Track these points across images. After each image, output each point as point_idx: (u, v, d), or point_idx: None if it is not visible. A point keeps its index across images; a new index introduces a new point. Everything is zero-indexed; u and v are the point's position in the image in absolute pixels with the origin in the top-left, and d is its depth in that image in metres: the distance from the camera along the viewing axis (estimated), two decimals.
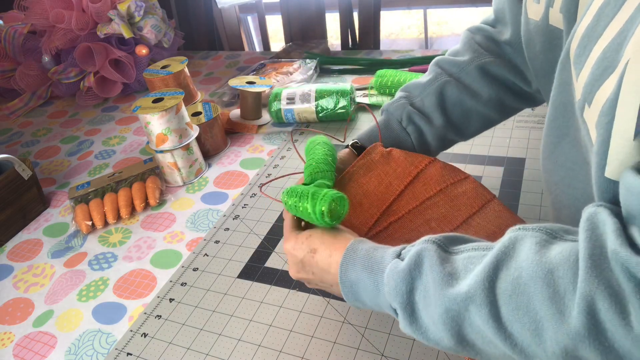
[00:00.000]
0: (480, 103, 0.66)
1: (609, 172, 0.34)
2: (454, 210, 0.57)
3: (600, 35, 0.36)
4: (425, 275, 0.42)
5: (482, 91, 0.65)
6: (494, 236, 0.53)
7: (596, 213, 0.34)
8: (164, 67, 1.13)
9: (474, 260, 0.40)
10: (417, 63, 1.22)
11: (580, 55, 0.38)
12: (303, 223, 0.58)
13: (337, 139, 0.75)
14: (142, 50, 1.36)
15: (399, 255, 0.45)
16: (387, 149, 0.64)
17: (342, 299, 0.65)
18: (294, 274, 0.56)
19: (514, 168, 0.83)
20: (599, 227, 0.33)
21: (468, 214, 0.57)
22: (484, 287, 0.37)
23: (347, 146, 0.70)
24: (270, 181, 0.87)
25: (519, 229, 0.39)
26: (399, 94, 0.70)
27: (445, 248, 0.43)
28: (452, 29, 2.94)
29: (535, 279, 0.35)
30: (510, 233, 0.39)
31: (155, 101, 0.92)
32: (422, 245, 0.43)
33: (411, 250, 0.44)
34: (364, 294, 0.48)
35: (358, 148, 0.69)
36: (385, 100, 1.08)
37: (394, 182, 0.61)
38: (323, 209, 0.50)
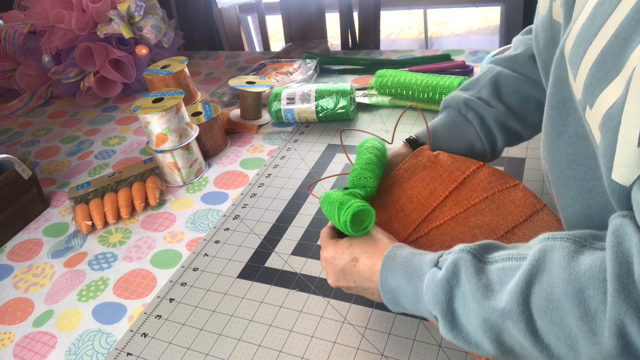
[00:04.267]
0: (538, 89, 0.65)
1: (616, 175, 0.34)
2: (500, 218, 0.56)
3: (595, 34, 0.36)
4: (462, 285, 0.43)
5: (538, 78, 0.63)
6: None
7: (621, 226, 0.34)
8: (164, 67, 1.13)
9: (507, 271, 0.41)
10: (417, 63, 1.22)
11: (575, 54, 0.38)
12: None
13: (387, 141, 0.70)
14: (142, 50, 1.36)
15: (436, 264, 0.46)
16: (435, 153, 0.63)
17: (343, 299, 0.65)
18: (333, 282, 0.57)
19: (514, 168, 0.83)
20: (624, 241, 0.34)
21: (514, 223, 0.55)
22: (519, 303, 0.38)
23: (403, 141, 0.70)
24: (318, 180, 0.86)
25: (548, 238, 0.40)
26: (454, 92, 0.70)
27: (480, 257, 0.44)
28: (452, 29, 2.94)
29: (567, 297, 0.36)
30: (539, 243, 0.40)
31: (155, 101, 0.92)
32: (458, 254, 0.44)
33: (448, 259, 0.45)
34: (404, 300, 0.49)
35: (413, 142, 0.68)
36: (385, 100, 1.08)
37: (438, 188, 0.60)
38: (346, 219, 0.52)
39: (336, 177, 0.88)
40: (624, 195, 0.35)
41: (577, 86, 0.38)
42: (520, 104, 0.66)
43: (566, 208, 0.46)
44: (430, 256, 0.48)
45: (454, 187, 0.60)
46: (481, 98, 0.67)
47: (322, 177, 0.89)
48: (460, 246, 0.45)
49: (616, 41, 0.34)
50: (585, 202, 0.43)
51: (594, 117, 0.36)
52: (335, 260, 0.55)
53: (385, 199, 0.61)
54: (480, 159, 0.66)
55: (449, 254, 0.46)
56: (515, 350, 0.41)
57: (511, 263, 0.41)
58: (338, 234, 0.58)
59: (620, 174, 0.34)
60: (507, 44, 1.17)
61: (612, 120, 0.33)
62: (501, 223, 0.55)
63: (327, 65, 1.32)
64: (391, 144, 0.71)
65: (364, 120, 1.06)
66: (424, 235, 0.58)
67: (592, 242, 0.38)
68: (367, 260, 0.52)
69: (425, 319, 0.60)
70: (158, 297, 0.72)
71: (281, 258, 0.74)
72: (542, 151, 0.50)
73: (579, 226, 0.45)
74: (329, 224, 0.59)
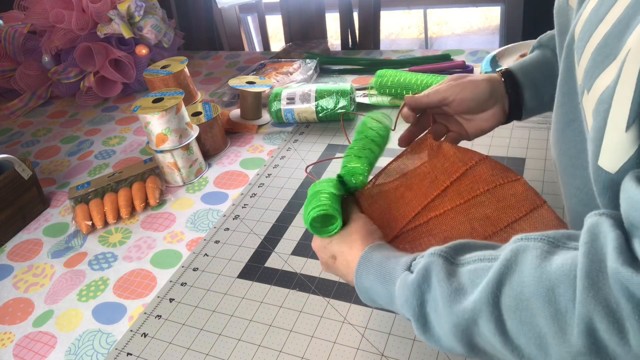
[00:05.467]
0: None
1: (602, 162, 0.34)
2: (500, 212, 0.55)
3: (601, 19, 0.35)
4: (433, 289, 0.42)
5: None
6: None
7: (598, 224, 0.34)
8: (164, 67, 1.13)
9: (479, 273, 0.40)
10: (417, 63, 1.22)
11: (582, 39, 0.38)
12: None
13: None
14: (142, 50, 1.36)
15: (409, 267, 0.46)
16: (438, 142, 0.61)
17: (343, 299, 0.65)
18: (323, 270, 0.59)
19: (514, 168, 0.82)
20: (599, 239, 0.33)
21: (514, 217, 0.55)
22: (488, 303, 0.38)
23: (496, 71, 0.65)
24: (318, 162, 0.85)
25: (522, 239, 0.39)
26: (551, 31, 0.65)
27: (452, 260, 0.43)
28: (452, 29, 2.94)
29: (537, 296, 0.35)
30: (512, 244, 0.39)
31: (155, 101, 0.92)
32: (429, 258, 0.44)
33: (420, 262, 0.45)
34: (379, 300, 0.50)
35: (506, 75, 0.63)
36: (385, 100, 1.08)
37: (440, 177, 0.59)
38: (308, 221, 0.53)
39: (337, 159, 0.87)
40: (608, 183, 0.34)
41: (580, 71, 0.38)
42: None
43: (571, 197, 0.46)
44: (403, 259, 0.47)
45: (455, 177, 0.59)
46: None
47: (322, 159, 0.88)
48: (432, 249, 0.45)
49: (619, 25, 0.33)
50: (589, 192, 0.42)
51: (589, 102, 0.35)
52: (318, 253, 0.57)
53: (384, 187, 0.60)
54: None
55: (421, 258, 0.45)
56: (488, 352, 0.41)
57: (483, 264, 0.41)
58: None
59: (607, 160, 0.33)
60: (507, 44, 1.17)
61: (604, 104, 0.33)
62: (501, 216, 0.55)
63: (327, 65, 1.32)
64: (394, 130, 0.68)
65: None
66: (423, 224, 0.57)
67: (566, 242, 0.37)
68: (343, 260, 0.53)
69: None
70: (158, 297, 0.72)
71: (281, 258, 0.74)
72: (551, 139, 0.49)
73: (581, 217, 0.44)
74: None
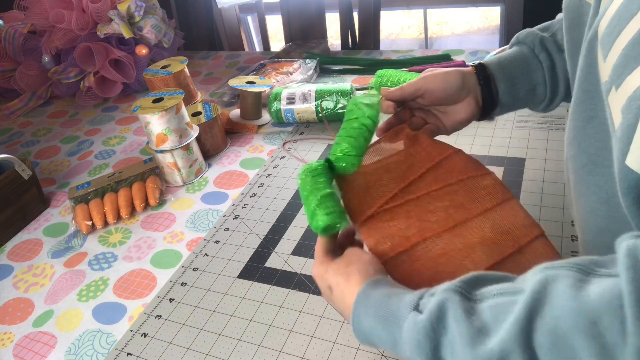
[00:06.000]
0: None
1: (630, 161, 0.32)
2: (472, 201, 0.57)
3: (634, 14, 0.34)
4: (451, 330, 0.38)
5: None
6: (508, 234, 0.54)
7: (636, 247, 0.31)
8: (164, 67, 1.13)
9: (502, 308, 0.36)
10: (417, 63, 1.22)
11: (609, 34, 0.37)
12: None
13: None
14: (142, 50, 1.36)
15: (416, 307, 0.42)
16: (414, 132, 0.63)
17: None
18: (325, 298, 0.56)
19: (514, 168, 0.83)
20: None
21: (485, 207, 0.57)
22: (519, 343, 0.34)
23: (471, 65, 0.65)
24: (296, 140, 0.80)
25: (546, 267, 0.36)
26: (528, 29, 0.65)
27: (468, 296, 0.39)
28: (452, 29, 2.94)
29: (577, 331, 0.32)
30: (538, 274, 0.36)
31: (155, 101, 0.92)
32: (443, 295, 0.40)
33: (431, 301, 0.41)
34: (380, 344, 0.46)
35: (479, 68, 0.63)
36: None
37: (417, 164, 0.61)
38: (317, 231, 0.53)
39: (316, 139, 0.85)
40: (634, 182, 0.33)
41: (606, 67, 0.37)
42: None
43: (589, 196, 0.44)
44: (407, 297, 0.43)
45: (431, 165, 0.61)
46: (556, 41, 0.63)
47: (302, 137, 0.85)
48: (444, 285, 0.41)
49: None
50: (610, 190, 0.41)
51: (618, 99, 0.34)
52: (317, 281, 0.54)
53: (362, 168, 0.61)
54: (536, 107, 0.63)
55: (431, 296, 0.41)
56: None
57: (506, 299, 0.37)
58: (331, 250, 0.55)
59: (636, 160, 0.32)
60: (507, 44, 1.17)
61: (637, 101, 0.32)
62: (474, 205, 0.57)
63: (327, 65, 1.32)
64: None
65: None
66: (399, 206, 0.58)
67: (595, 269, 0.34)
68: (339, 293, 0.50)
69: None
70: (158, 297, 0.72)
71: (281, 258, 0.74)
72: (566, 138, 0.48)
73: (599, 214, 0.43)
74: (323, 239, 0.56)
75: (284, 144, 0.81)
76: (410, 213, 0.57)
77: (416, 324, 0.40)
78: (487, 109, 0.65)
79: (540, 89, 0.64)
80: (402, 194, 0.59)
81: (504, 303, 0.37)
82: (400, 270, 0.53)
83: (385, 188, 0.59)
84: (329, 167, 0.58)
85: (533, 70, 0.63)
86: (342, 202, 0.57)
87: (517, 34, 0.66)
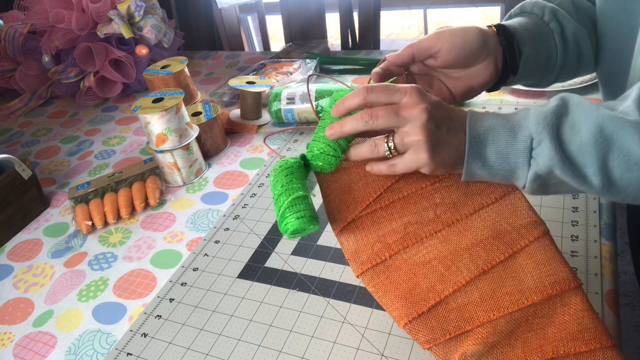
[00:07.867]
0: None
1: None
2: (467, 198, 0.52)
3: None
4: (572, 111, 0.44)
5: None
6: (504, 235, 0.50)
7: None
8: (164, 67, 1.13)
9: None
10: None
11: None
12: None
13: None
14: (142, 50, 1.36)
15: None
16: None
17: (343, 299, 0.65)
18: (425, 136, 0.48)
19: None
20: None
21: (481, 204, 0.52)
22: None
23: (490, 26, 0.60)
24: (276, 132, 0.76)
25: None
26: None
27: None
28: None
29: None
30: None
31: (155, 101, 0.92)
32: (561, 96, 0.45)
33: (550, 102, 0.46)
34: (492, 146, 0.46)
35: (501, 29, 0.58)
36: None
37: None
38: (285, 234, 0.52)
39: (296, 129, 0.82)
40: None
41: None
42: (593, 27, 0.61)
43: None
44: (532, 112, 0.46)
45: None
46: (563, 10, 0.60)
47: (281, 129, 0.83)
48: (560, 95, 0.46)
49: None
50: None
51: None
52: (415, 98, 0.50)
53: (345, 163, 0.56)
54: (543, 79, 0.61)
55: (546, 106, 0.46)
56: (615, 180, 0.42)
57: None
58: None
59: None
60: None
61: None
62: (468, 203, 0.52)
63: (327, 65, 1.32)
64: None
65: None
66: (383, 208, 0.54)
67: None
68: (446, 109, 0.49)
69: None
70: (158, 297, 0.72)
71: (281, 258, 0.74)
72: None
73: None
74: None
75: (264, 139, 0.80)
76: (394, 215, 0.53)
77: (542, 108, 0.46)
78: (503, 77, 0.59)
79: (552, 59, 0.60)
80: (388, 194, 0.54)
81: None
82: (376, 281, 0.50)
83: (370, 187, 0.54)
84: (305, 165, 0.55)
85: (545, 39, 0.59)
86: (323, 200, 0.54)
87: (519, 5, 0.62)
